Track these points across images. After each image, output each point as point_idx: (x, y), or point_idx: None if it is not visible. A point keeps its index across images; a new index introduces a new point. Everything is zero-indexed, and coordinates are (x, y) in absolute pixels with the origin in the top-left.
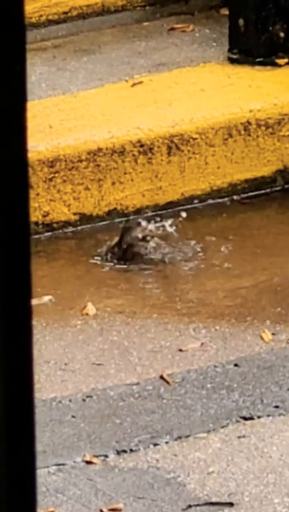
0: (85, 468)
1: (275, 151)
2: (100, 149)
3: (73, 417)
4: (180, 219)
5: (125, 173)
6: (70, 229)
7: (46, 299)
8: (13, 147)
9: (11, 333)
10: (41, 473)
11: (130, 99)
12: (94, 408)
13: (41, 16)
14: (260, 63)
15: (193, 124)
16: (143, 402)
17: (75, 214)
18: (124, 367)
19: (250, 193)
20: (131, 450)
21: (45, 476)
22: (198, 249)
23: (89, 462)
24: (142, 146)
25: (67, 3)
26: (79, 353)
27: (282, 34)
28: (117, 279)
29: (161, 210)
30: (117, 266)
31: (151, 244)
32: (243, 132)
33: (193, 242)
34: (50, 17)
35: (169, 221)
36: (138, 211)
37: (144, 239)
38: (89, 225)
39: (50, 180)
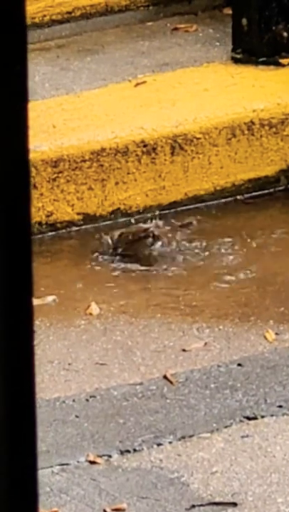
0: (89, 468)
1: (279, 150)
2: (103, 149)
3: (77, 416)
4: (184, 219)
5: (129, 173)
6: (74, 229)
7: (50, 299)
8: (14, 147)
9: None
10: (45, 473)
11: (134, 99)
12: (97, 408)
13: (45, 15)
14: (264, 63)
15: (197, 124)
16: (146, 402)
17: (78, 214)
18: (127, 367)
19: (254, 193)
20: (134, 450)
21: (49, 476)
22: (202, 249)
23: (92, 462)
24: (145, 146)
25: (70, 3)
26: (82, 352)
27: (285, 34)
28: (120, 279)
29: (164, 210)
30: (121, 266)
31: (155, 244)
32: (246, 132)
33: (196, 242)
34: (54, 17)
35: (173, 221)
36: (141, 211)
37: (147, 239)
38: (92, 225)
39: (54, 180)
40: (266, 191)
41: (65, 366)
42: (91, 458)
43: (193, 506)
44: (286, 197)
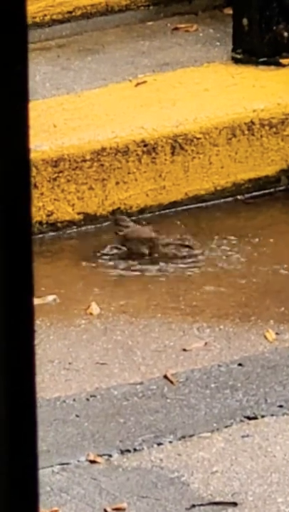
0: (89, 468)
1: (279, 150)
2: (103, 149)
3: (77, 416)
4: (184, 219)
5: (129, 173)
6: (74, 228)
7: (50, 298)
8: (15, 147)
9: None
10: (45, 473)
11: (134, 98)
12: (98, 407)
13: (45, 15)
14: (264, 63)
15: (197, 124)
16: (147, 402)
17: (79, 213)
18: (128, 366)
19: (254, 193)
20: (135, 449)
21: (49, 476)
22: (202, 249)
23: (93, 461)
24: (145, 145)
25: (71, 3)
26: (83, 352)
27: (286, 34)
28: (120, 279)
29: (164, 210)
30: (121, 266)
31: (155, 244)
32: (246, 132)
33: (196, 242)
34: (54, 16)
35: (173, 221)
36: (142, 211)
37: (148, 239)
38: (93, 225)
39: (54, 179)
40: (266, 191)
41: (65, 366)
42: (91, 457)
43: (194, 506)
44: (286, 197)
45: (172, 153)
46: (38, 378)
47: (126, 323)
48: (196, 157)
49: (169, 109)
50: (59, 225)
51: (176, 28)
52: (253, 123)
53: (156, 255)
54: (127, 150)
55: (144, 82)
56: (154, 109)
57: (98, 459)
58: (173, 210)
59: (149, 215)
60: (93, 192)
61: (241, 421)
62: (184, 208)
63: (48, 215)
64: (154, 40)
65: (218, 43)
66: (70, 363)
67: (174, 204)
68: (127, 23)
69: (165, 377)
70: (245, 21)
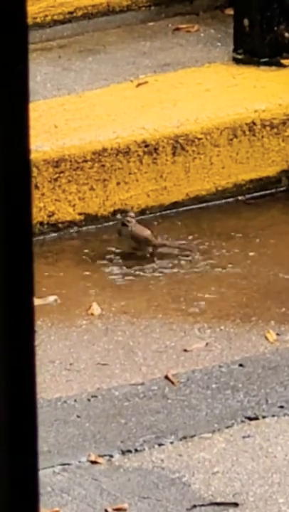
0: (90, 468)
1: (280, 151)
2: (105, 149)
3: (78, 416)
4: (185, 219)
5: (130, 174)
6: (75, 229)
7: (51, 299)
8: (15, 147)
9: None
10: (46, 473)
11: (135, 99)
12: (99, 408)
13: (46, 15)
14: (265, 63)
15: (198, 125)
16: (148, 402)
17: (80, 214)
18: (129, 367)
19: (255, 194)
20: (136, 450)
21: (50, 476)
22: (203, 250)
23: (94, 462)
24: (146, 146)
25: (72, 3)
26: (84, 353)
27: (287, 34)
28: (121, 280)
29: (166, 211)
30: (122, 266)
31: (156, 244)
32: (247, 132)
33: (198, 243)
34: (56, 17)
35: (174, 221)
36: (143, 211)
37: (148, 239)
38: (94, 225)
39: (56, 180)
40: (267, 192)
41: (66, 366)
42: (92, 458)
43: (195, 506)
44: (287, 197)
45: (173, 154)
46: (39, 379)
47: (127, 324)
48: (197, 158)
49: (170, 109)
50: (60, 225)
51: (178, 29)
52: (254, 123)
53: (156, 256)
54: (128, 150)
55: (146, 82)
56: (155, 110)
57: (99, 460)
58: (174, 210)
59: (150, 215)
60: (94, 192)
61: (242, 421)
62: (185, 208)
63: (49, 216)
64: (155, 40)
65: (219, 44)
66: (71, 364)
67: (175, 204)
68: (128, 24)
69: (166, 377)
70: (246, 22)
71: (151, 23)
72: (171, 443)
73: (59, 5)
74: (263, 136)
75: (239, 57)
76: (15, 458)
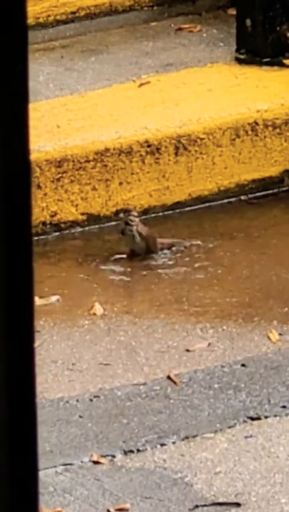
0: (92, 468)
1: (283, 151)
2: (107, 149)
3: (80, 417)
4: (187, 219)
5: (132, 174)
6: (78, 229)
7: (54, 299)
8: (15, 147)
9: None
10: (48, 473)
11: (138, 99)
12: (101, 408)
13: (49, 16)
14: (268, 63)
15: (201, 125)
16: (150, 402)
17: (82, 214)
18: (131, 367)
19: (258, 193)
20: (138, 450)
21: (53, 476)
22: (206, 250)
23: (96, 462)
24: (149, 146)
25: (75, 4)
26: (86, 353)
27: None
28: (124, 280)
29: (168, 211)
30: (124, 266)
31: (160, 244)
32: (250, 132)
33: (200, 243)
34: (58, 17)
35: (177, 221)
36: (145, 211)
37: (150, 239)
38: (96, 225)
39: (58, 180)
40: (270, 192)
41: (68, 366)
42: (95, 458)
43: (197, 506)
44: None
45: (176, 154)
46: (41, 379)
47: (129, 324)
48: (200, 158)
49: (173, 109)
50: (62, 225)
51: (180, 29)
52: (256, 123)
53: (159, 256)
54: (131, 150)
55: (148, 82)
56: (157, 110)
57: (101, 460)
58: (176, 210)
59: (152, 215)
60: (97, 192)
61: (244, 421)
62: (188, 208)
63: (52, 216)
64: (157, 40)
65: (221, 44)
66: (73, 364)
67: (177, 204)
68: (131, 24)
69: (168, 377)
70: (248, 22)
71: (153, 23)
72: (174, 443)
73: (62, 5)
74: (265, 136)
75: (241, 57)
76: (15, 458)
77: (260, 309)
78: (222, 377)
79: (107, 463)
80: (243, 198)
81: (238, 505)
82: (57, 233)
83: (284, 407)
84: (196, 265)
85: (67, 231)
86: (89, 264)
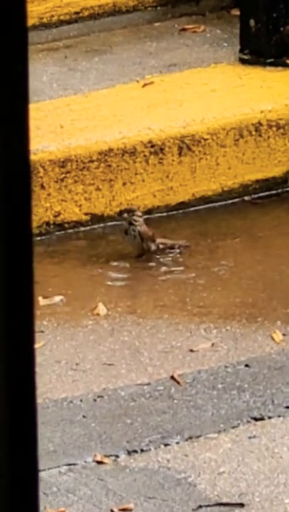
0: (96, 468)
1: (286, 151)
2: (111, 150)
3: (84, 417)
4: (191, 220)
5: (136, 174)
6: (82, 229)
7: (57, 299)
8: (15, 147)
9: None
10: (52, 473)
11: (141, 99)
12: (105, 408)
13: (53, 16)
14: (271, 64)
15: (205, 125)
16: (154, 403)
17: (86, 214)
18: (135, 367)
19: (261, 194)
20: (142, 450)
21: (56, 476)
22: (209, 250)
23: (100, 462)
24: (152, 146)
25: (78, 4)
26: (90, 353)
27: None
28: (127, 280)
29: (172, 211)
30: (128, 266)
31: (162, 244)
32: (254, 133)
33: (203, 243)
34: (62, 17)
35: (180, 222)
36: (149, 211)
37: (154, 240)
38: (100, 225)
39: (62, 180)
40: (273, 192)
41: (72, 366)
42: (98, 458)
43: (200, 507)
44: None
45: (179, 154)
46: (45, 379)
47: (133, 324)
48: (204, 158)
49: (176, 109)
50: (66, 225)
51: (184, 29)
52: (260, 124)
53: (162, 256)
54: (134, 151)
55: (152, 82)
56: (161, 110)
57: (105, 460)
58: (180, 210)
59: (156, 215)
60: (100, 193)
61: (248, 422)
62: (191, 208)
63: (56, 216)
64: (161, 40)
65: (225, 44)
66: (77, 364)
67: (181, 205)
68: (135, 24)
69: (172, 377)
70: (252, 22)
71: (157, 24)
72: (177, 443)
73: (65, 5)
74: (269, 137)
75: (245, 57)
76: (15, 458)
77: (264, 310)
78: (226, 377)
79: (110, 463)
80: (246, 198)
81: (241, 505)
82: (60, 233)
83: (288, 407)
84: (200, 265)
85: (71, 231)
86: (93, 264)
